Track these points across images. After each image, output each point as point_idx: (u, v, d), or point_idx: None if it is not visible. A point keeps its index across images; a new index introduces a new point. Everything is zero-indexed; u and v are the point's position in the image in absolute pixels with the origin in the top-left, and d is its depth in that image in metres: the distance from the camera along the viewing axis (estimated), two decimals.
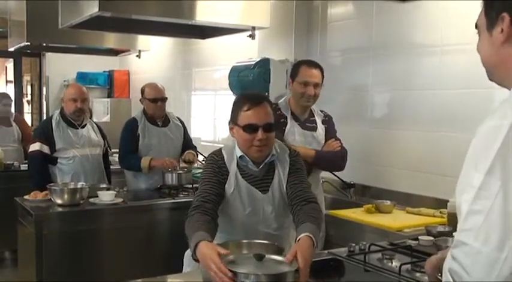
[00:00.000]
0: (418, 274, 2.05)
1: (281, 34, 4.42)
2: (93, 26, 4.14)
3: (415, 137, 3.59)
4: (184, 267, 2.47)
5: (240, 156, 2.35)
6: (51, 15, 4.33)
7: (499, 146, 1.04)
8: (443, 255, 1.40)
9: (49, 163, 4.11)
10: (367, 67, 3.94)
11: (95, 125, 4.42)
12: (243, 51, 4.85)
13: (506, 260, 1.01)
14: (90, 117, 4.55)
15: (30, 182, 4.07)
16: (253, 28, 4.04)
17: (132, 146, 4.25)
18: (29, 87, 9.49)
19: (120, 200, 3.72)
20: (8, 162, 5.47)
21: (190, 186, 4.15)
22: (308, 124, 3.35)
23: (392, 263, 2.24)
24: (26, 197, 3.73)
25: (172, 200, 3.88)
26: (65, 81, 7.91)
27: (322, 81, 3.33)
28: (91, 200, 3.66)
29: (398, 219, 3.13)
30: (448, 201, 3.00)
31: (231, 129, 2.37)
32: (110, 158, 4.65)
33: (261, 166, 2.36)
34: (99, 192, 3.71)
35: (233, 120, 2.34)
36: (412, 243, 2.48)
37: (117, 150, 4.49)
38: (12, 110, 6.29)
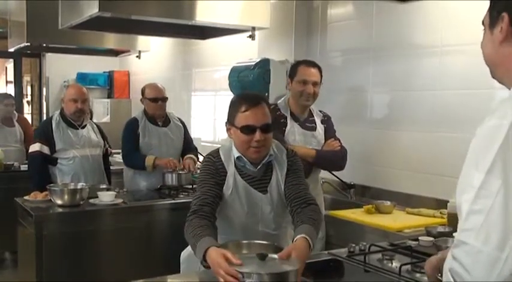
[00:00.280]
0: (418, 275, 2.05)
1: (281, 35, 4.42)
2: (93, 26, 4.14)
3: (415, 137, 3.58)
4: (181, 268, 2.47)
5: (237, 157, 2.33)
6: (51, 15, 4.33)
7: (499, 146, 1.05)
8: (443, 255, 1.40)
9: (49, 164, 4.11)
10: (367, 68, 3.94)
11: (95, 126, 4.43)
12: (243, 51, 4.85)
13: (507, 260, 1.01)
14: (91, 118, 4.55)
15: (30, 182, 4.07)
16: (253, 28, 4.04)
17: (135, 144, 4.27)
18: (29, 88, 9.49)
19: (120, 200, 3.72)
20: (8, 162, 5.47)
21: (190, 186, 4.15)
22: (308, 124, 3.36)
23: (392, 263, 2.24)
24: (26, 197, 3.73)
25: (172, 201, 3.88)
26: (65, 81, 7.91)
27: (321, 81, 3.34)
28: (91, 200, 3.66)
29: (398, 220, 3.13)
30: (448, 201, 3.00)
31: (228, 129, 2.35)
32: (110, 158, 4.65)
33: (259, 166, 2.35)
34: (99, 193, 3.71)
35: (230, 121, 2.32)
36: (412, 243, 2.48)
37: (118, 150, 4.49)
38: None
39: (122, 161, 4.45)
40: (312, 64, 3.34)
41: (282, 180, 2.37)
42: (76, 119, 4.19)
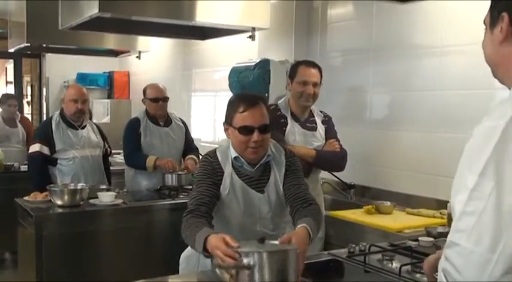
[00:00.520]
0: (418, 275, 2.05)
1: (281, 35, 4.42)
2: (93, 27, 4.14)
3: (414, 138, 3.59)
4: (180, 268, 2.47)
5: (234, 157, 2.32)
6: (51, 16, 4.33)
7: (492, 147, 1.05)
8: (439, 254, 1.41)
9: (49, 164, 4.11)
10: (367, 68, 3.94)
11: (94, 126, 4.43)
12: (243, 52, 4.85)
13: (498, 261, 1.01)
14: (90, 118, 4.56)
15: (30, 183, 4.07)
16: (253, 29, 4.04)
17: (136, 144, 4.28)
18: (29, 88, 9.49)
19: (120, 201, 3.72)
20: (8, 163, 5.48)
21: (190, 187, 4.14)
22: (308, 124, 3.36)
23: (392, 264, 2.24)
24: (26, 198, 3.73)
25: (172, 201, 3.88)
26: (65, 82, 7.92)
27: (321, 81, 3.33)
28: (91, 201, 3.66)
29: (398, 220, 3.13)
30: (448, 202, 2.99)
31: (226, 130, 2.34)
32: (110, 159, 4.65)
33: (257, 167, 2.34)
34: (99, 193, 3.71)
35: (228, 121, 2.31)
36: (412, 244, 2.48)
37: (118, 151, 4.50)
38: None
39: (121, 161, 4.46)
40: (312, 64, 3.33)
41: (281, 181, 2.37)
42: (76, 119, 4.19)
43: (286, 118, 3.29)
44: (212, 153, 2.38)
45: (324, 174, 3.60)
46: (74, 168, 4.13)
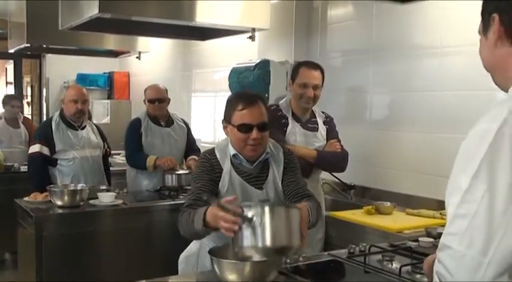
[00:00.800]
0: (418, 276, 2.05)
1: (281, 35, 4.42)
2: (93, 27, 4.14)
3: (415, 138, 3.59)
4: (179, 269, 2.48)
5: (233, 155, 2.34)
6: (51, 16, 4.33)
7: (485, 149, 1.05)
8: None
9: (49, 165, 4.11)
10: (367, 68, 3.94)
11: (94, 127, 4.43)
12: (243, 52, 4.85)
13: (489, 264, 1.02)
14: (89, 119, 4.56)
15: (30, 183, 4.07)
16: (253, 29, 4.03)
17: (137, 145, 4.29)
18: (29, 89, 9.49)
19: (120, 201, 3.72)
20: (8, 163, 5.48)
21: (190, 187, 4.15)
22: (309, 125, 3.35)
23: (392, 264, 2.24)
24: (26, 198, 3.73)
25: (172, 202, 3.88)
26: (65, 82, 7.92)
27: (323, 83, 3.32)
28: (91, 201, 3.66)
29: (398, 221, 3.13)
30: None
31: (224, 127, 2.37)
32: (110, 159, 4.66)
33: (255, 164, 2.36)
34: (99, 194, 3.71)
35: (227, 119, 2.33)
36: (412, 244, 2.48)
37: (117, 151, 4.50)
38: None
39: (121, 162, 4.47)
40: (314, 66, 3.31)
41: (279, 178, 2.39)
42: (76, 119, 4.19)
43: (287, 118, 3.29)
44: (210, 151, 2.39)
45: (324, 175, 3.60)
46: (73, 169, 4.13)
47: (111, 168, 4.63)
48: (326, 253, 2.47)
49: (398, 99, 3.75)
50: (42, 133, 4.16)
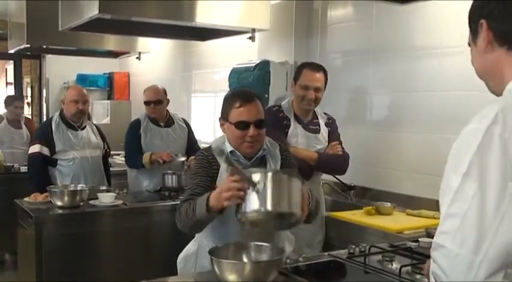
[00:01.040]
0: (418, 276, 2.05)
1: (281, 36, 4.42)
2: (93, 28, 4.14)
3: (415, 138, 3.59)
4: (178, 269, 2.48)
5: (230, 151, 2.36)
6: (51, 17, 4.33)
7: (475, 149, 1.06)
8: None
9: (49, 165, 4.12)
10: (367, 69, 3.94)
11: (94, 127, 4.44)
12: (243, 53, 4.85)
13: (482, 263, 1.02)
14: (89, 119, 4.56)
15: (30, 183, 4.07)
16: (253, 30, 4.03)
17: (137, 146, 4.29)
18: (29, 89, 9.50)
19: (120, 202, 3.72)
20: (8, 164, 5.48)
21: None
22: (311, 126, 3.35)
23: (392, 265, 2.24)
24: (26, 199, 3.73)
25: (172, 202, 3.87)
26: (65, 83, 7.92)
27: (326, 85, 3.32)
28: (91, 202, 3.66)
29: (398, 221, 3.13)
30: None
31: (221, 125, 2.40)
32: (110, 159, 4.66)
33: (253, 160, 2.38)
34: (99, 194, 3.71)
35: (224, 117, 2.37)
36: (412, 245, 2.48)
37: (117, 152, 4.50)
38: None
39: (121, 162, 4.47)
40: (317, 68, 3.30)
41: None
42: (76, 120, 4.19)
43: (289, 120, 3.28)
44: (207, 148, 2.43)
45: (324, 176, 3.60)
46: (73, 169, 4.14)
47: (111, 169, 4.63)
48: (326, 253, 2.47)
49: (398, 99, 3.75)
50: (42, 133, 4.16)
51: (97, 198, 3.69)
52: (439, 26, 3.40)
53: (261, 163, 2.40)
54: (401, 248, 2.45)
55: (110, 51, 6.71)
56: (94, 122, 5.41)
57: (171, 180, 4.15)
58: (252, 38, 4.10)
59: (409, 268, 2.12)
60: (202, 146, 5.23)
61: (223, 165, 2.32)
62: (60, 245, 3.45)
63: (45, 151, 4.08)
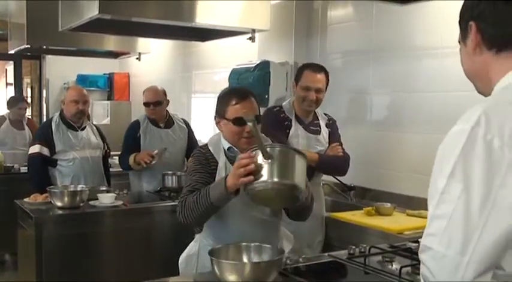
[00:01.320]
0: (418, 277, 2.04)
1: (281, 36, 4.42)
2: (93, 28, 4.14)
3: (415, 139, 3.58)
4: (180, 270, 2.49)
5: (228, 148, 2.39)
6: (51, 17, 4.33)
7: (459, 150, 1.06)
8: None
9: (49, 165, 4.12)
10: (368, 69, 3.94)
11: (94, 127, 4.44)
12: (243, 53, 4.85)
13: (469, 264, 1.03)
14: (88, 120, 4.56)
15: (30, 184, 4.07)
16: (253, 30, 4.03)
17: (131, 148, 4.29)
18: (29, 90, 9.50)
19: (120, 202, 3.72)
20: (8, 164, 5.48)
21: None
22: (312, 127, 3.34)
23: (392, 265, 2.24)
24: (26, 199, 3.73)
25: (172, 203, 3.87)
26: (65, 83, 7.92)
27: (327, 86, 3.32)
28: (91, 202, 3.66)
29: (398, 222, 3.13)
30: None
31: (218, 123, 2.43)
32: (110, 160, 4.66)
33: None
34: (99, 195, 3.71)
35: (220, 114, 2.40)
36: (413, 245, 2.47)
37: (117, 152, 4.51)
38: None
39: None
40: (318, 69, 3.30)
41: None
42: (76, 120, 4.20)
43: (290, 121, 3.27)
44: (204, 146, 2.46)
45: (324, 176, 3.60)
46: (73, 170, 4.14)
47: (111, 169, 4.63)
48: (326, 254, 2.47)
49: (398, 100, 3.75)
50: (42, 134, 4.16)
51: (97, 199, 3.69)
52: (439, 26, 3.40)
53: None
54: (401, 248, 2.45)
55: (110, 52, 6.71)
56: (94, 122, 5.41)
57: (171, 181, 4.15)
58: (252, 39, 4.10)
59: (409, 269, 2.12)
60: None
61: (221, 162, 2.36)
62: (60, 246, 3.45)
63: (45, 151, 4.08)
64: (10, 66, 9.76)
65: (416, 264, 2.14)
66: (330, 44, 4.26)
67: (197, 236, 2.50)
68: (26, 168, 4.57)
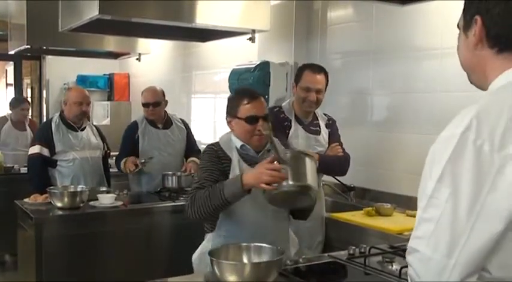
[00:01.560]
0: None
1: (281, 37, 4.42)
2: (93, 29, 4.14)
3: (415, 139, 3.58)
4: (194, 269, 2.54)
5: (241, 146, 2.50)
6: (52, 18, 4.33)
7: (449, 154, 1.07)
8: None
9: (49, 166, 4.12)
10: (368, 70, 3.94)
11: (94, 128, 4.44)
12: (243, 54, 4.85)
13: (455, 267, 1.03)
14: (88, 120, 4.57)
15: (30, 184, 4.07)
16: (253, 31, 4.03)
17: (128, 149, 4.30)
18: (29, 90, 9.50)
19: (120, 203, 3.72)
20: (8, 165, 5.48)
21: (191, 189, 4.14)
22: (312, 127, 3.35)
23: (392, 266, 2.24)
24: (26, 200, 3.73)
25: (173, 203, 3.88)
26: (65, 84, 7.92)
27: (327, 86, 3.32)
28: (91, 203, 3.66)
29: (398, 222, 3.13)
30: None
31: (229, 122, 2.54)
32: (110, 160, 4.66)
33: (261, 153, 2.53)
34: (99, 195, 3.71)
35: (232, 114, 2.52)
36: None
37: (117, 153, 4.50)
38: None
39: None
40: (318, 70, 3.30)
41: None
42: (78, 121, 4.20)
43: (290, 121, 3.28)
44: (215, 144, 2.55)
45: (324, 176, 3.60)
46: (73, 170, 4.13)
47: (110, 170, 4.62)
48: (326, 254, 2.47)
49: (398, 100, 3.75)
50: (42, 134, 4.16)
51: (97, 199, 3.69)
52: (440, 26, 3.40)
53: (267, 156, 2.47)
54: (401, 249, 2.44)
55: (110, 52, 6.71)
56: (94, 123, 5.40)
57: (171, 181, 4.15)
58: (252, 39, 4.10)
59: None
60: (202, 147, 5.24)
61: (235, 159, 2.45)
62: (60, 246, 3.45)
63: (45, 152, 4.08)
64: (10, 67, 9.77)
65: None
66: (330, 45, 4.26)
67: (209, 235, 2.54)
68: (26, 168, 4.58)
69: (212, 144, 2.56)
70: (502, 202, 1.02)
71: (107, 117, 7.64)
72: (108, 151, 4.52)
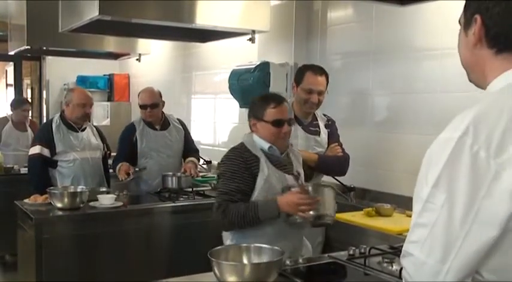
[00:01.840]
0: None
1: (281, 38, 4.42)
2: (93, 29, 4.14)
3: (415, 140, 3.58)
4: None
5: (268, 147, 2.63)
6: (52, 18, 4.33)
7: (446, 159, 1.06)
8: None
9: (49, 166, 4.12)
10: (367, 71, 3.94)
11: (94, 129, 4.44)
12: (243, 54, 4.85)
13: (448, 272, 1.04)
14: (88, 121, 4.57)
15: (30, 185, 4.07)
16: (253, 32, 4.03)
17: (125, 151, 4.28)
18: (29, 91, 9.51)
19: (120, 203, 3.72)
20: (8, 165, 5.48)
21: (190, 190, 4.15)
22: (311, 128, 3.35)
23: (392, 266, 2.24)
24: (26, 200, 3.73)
25: (173, 204, 3.88)
26: (65, 84, 7.93)
27: (327, 87, 3.32)
28: (91, 203, 3.66)
29: (398, 223, 3.13)
30: None
31: (253, 125, 2.66)
32: (110, 161, 4.65)
33: (284, 154, 2.70)
34: (99, 196, 3.71)
35: (258, 117, 2.64)
36: None
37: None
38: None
39: None
40: (319, 71, 3.31)
41: (299, 163, 2.82)
42: (79, 122, 4.21)
43: None
44: (240, 146, 2.65)
45: (324, 177, 3.60)
46: (74, 171, 4.14)
47: (110, 170, 4.62)
48: (326, 255, 2.47)
49: (399, 101, 3.74)
50: (43, 135, 4.17)
51: (97, 200, 3.69)
52: (440, 27, 3.40)
53: (288, 156, 2.74)
54: (401, 249, 2.44)
55: (110, 53, 6.71)
56: (94, 123, 5.40)
57: (170, 182, 4.15)
58: (252, 40, 4.10)
59: None
60: (201, 147, 5.24)
61: (263, 159, 2.58)
62: (60, 247, 3.45)
63: (46, 152, 4.08)
64: (10, 67, 9.77)
65: None
66: (330, 45, 4.26)
67: (227, 234, 2.65)
68: (26, 169, 4.58)
69: (236, 148, 2.65)
70: (497, 208, 1.02)
71: (107, 117, 7.64)
72: (108, 152, 4.52)
